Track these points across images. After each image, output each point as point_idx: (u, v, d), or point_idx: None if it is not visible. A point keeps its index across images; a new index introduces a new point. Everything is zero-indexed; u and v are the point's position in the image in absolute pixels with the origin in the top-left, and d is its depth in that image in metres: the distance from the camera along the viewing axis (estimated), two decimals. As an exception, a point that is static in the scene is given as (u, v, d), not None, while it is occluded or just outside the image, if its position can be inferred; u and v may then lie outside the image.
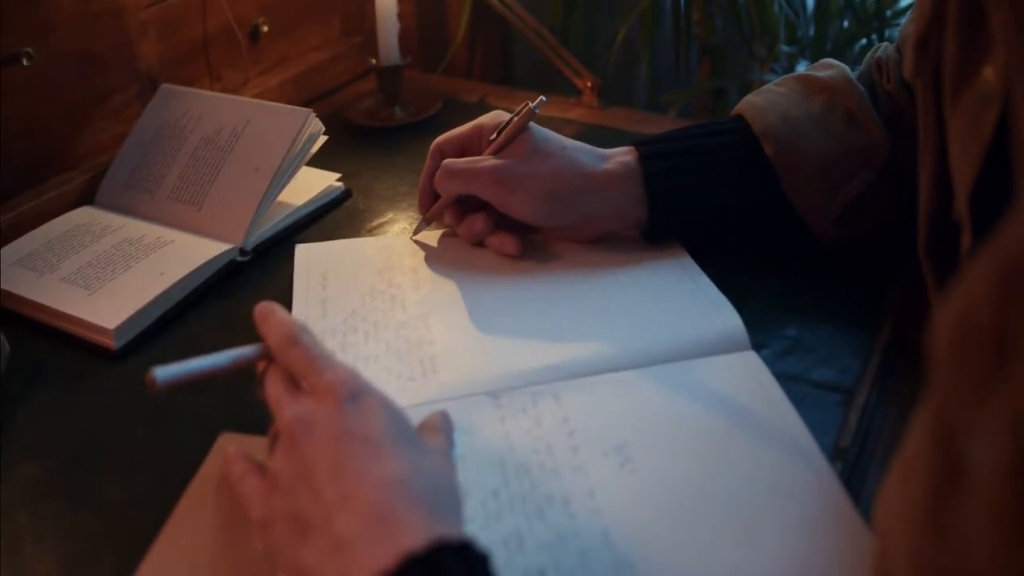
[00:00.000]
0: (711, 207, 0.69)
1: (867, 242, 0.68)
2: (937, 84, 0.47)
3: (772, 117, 0.68)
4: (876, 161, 0.66)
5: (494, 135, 0.70)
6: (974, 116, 0.42)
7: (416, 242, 0.76)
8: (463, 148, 0.72)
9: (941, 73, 0.46)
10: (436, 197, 0.73)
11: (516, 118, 0.69)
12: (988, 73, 0.41)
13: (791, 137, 0.67)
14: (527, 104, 0.68)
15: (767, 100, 0.69)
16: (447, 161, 0.70)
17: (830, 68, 0.71)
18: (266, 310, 0.52)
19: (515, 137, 0.69)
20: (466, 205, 0.73)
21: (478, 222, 0.72)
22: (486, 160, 0.69)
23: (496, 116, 0.71)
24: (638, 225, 0.70)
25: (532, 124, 0.69)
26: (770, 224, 0.70)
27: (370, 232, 0.80)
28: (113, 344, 0.66)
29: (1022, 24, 0.32)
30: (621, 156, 0.69)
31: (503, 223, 0.71)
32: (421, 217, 0.75)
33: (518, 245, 0.71)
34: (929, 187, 0.50)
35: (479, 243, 0.73)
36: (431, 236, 0.76)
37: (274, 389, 0.49)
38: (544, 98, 0.70)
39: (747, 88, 1.19)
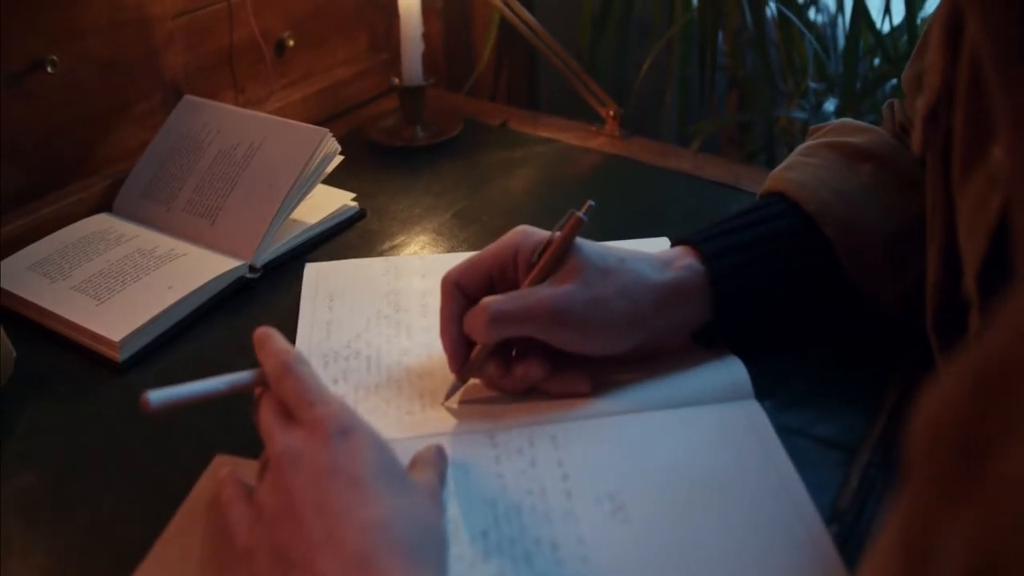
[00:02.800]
0: (774, 300, 0.62)
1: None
2: (946, 159, 0.46)
3: (824, 194, 0.62)
4: None
5: (535, 257, 0.58)
6: (981, 197, 0.41)
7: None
8: (489, 280, 0.59)
9: (951, 149, 0.45)
10: (468, 345, 0.59)
11: (561, 231, 0.57)
12: (996, 154, 0.40)
13: (849, 213, 0.61)
14: (572, 212, 0.57)
15: (809, 175, 0.63)
16: (489, 302, 0.56)
17: (863, 132, 0.65)
18: (264, 336, 0.52)
19: (564, 256, 0.57)
20: (503, 346, 0.59)
21: (533, 370, 0.58)
22: (538, 292, 0.56)
23: (526, 234, 0.59)
24: (694, 330, 0.62)
25: (576, 239, 0.58)
26: (828, 307, 0.64)
27: (382, 254, 0.80)
28: (118, 356, 0.66)
29: (1018, 112, 0.31)
30: (682, 260, 0.60)
31: (552, 356, 0.59)
32: (454, 378, 0.60)
33: (588, 380, 0.59)
34: (937, 263, 0.49)
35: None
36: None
37: (266, 418, 0.49)
38: (593, 203, 0.58)
39: (772, 123, 1.18)
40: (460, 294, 0.59)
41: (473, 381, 0.61)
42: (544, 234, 0.59)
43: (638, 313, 0.58)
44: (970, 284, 0.43)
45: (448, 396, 0.60)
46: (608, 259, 0.58)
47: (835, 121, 0.68)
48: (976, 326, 0.43)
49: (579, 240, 0.58)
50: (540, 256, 0.58)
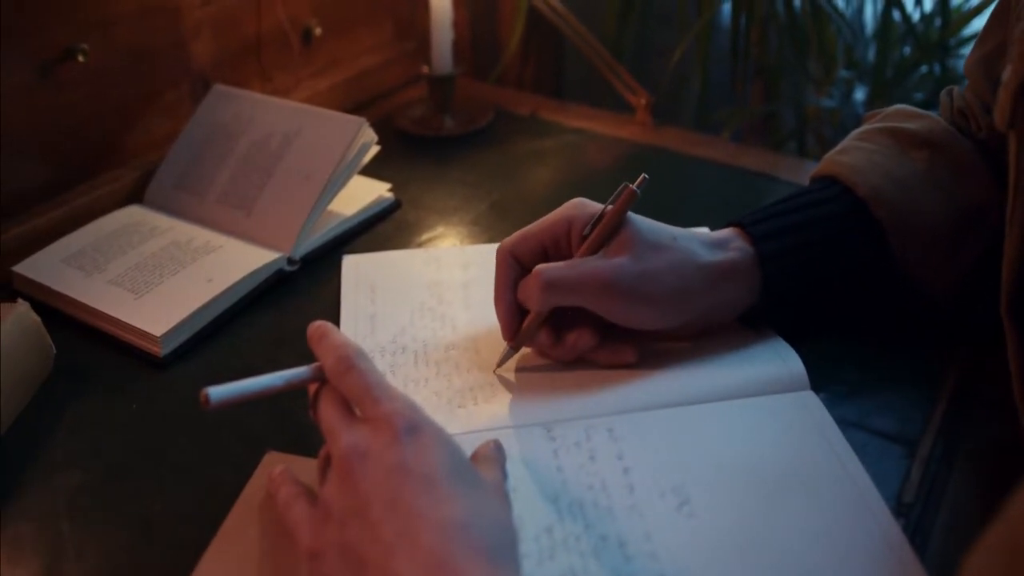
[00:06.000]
0: (823, 283, 0.62)
1: (988, 304, 0.57)
2: None
3: (877, 179, 0.61)
4: (993, 218, 0.60)
5: (587, 228, 0.59)
6: None
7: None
8: (543, 250, 0.60)
9: None
10: (521, 314, 0.60)
11: (615, 204, 0.58)
12: None
13: (901, 199, 0.60)
14: (626, 185, 0.58)
15: (863, 160, 0.62)
16: (542, 268, 0.57)
17: (918, 119, 0.64)
18: (321, 331, 0.51)
19: (617, 229, 0.58)
20: (555, 317, 0.60)
21: (584, 339, 0.59)
22: (590, 262, 0.57)
23: (581, 206, 0.60)
24: (742, 311, 0.62)
25: (629, 213, 0.58)
26: (878, 293, 0.63)
27: (420, 246, 0.79)
28: (160, 351, 0.65)
29: None
30: (733, 241, 0.61)
31: (602, 328, 0.60)
32: (506, 345, 0.61)
33: (635, 351, 0.60)
34: (1016, 245, 0.47)
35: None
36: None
37: (328, 414, 0.48)
38: (647, 176, 0.59)
39: (802, 113, 1.17)
40: (515, 262, 0.60)
41: (524, 351, 0.62)
42: (598, 207, 0.59)
43: (686, 290, 0.58)
44: None
45: (500, 364, 0.61)
46: (660, 235, 0.59)
47: (892, 107, 0.67)
48: None
49: (632, 215, 0.59)
50: (593, 228, 0.58)
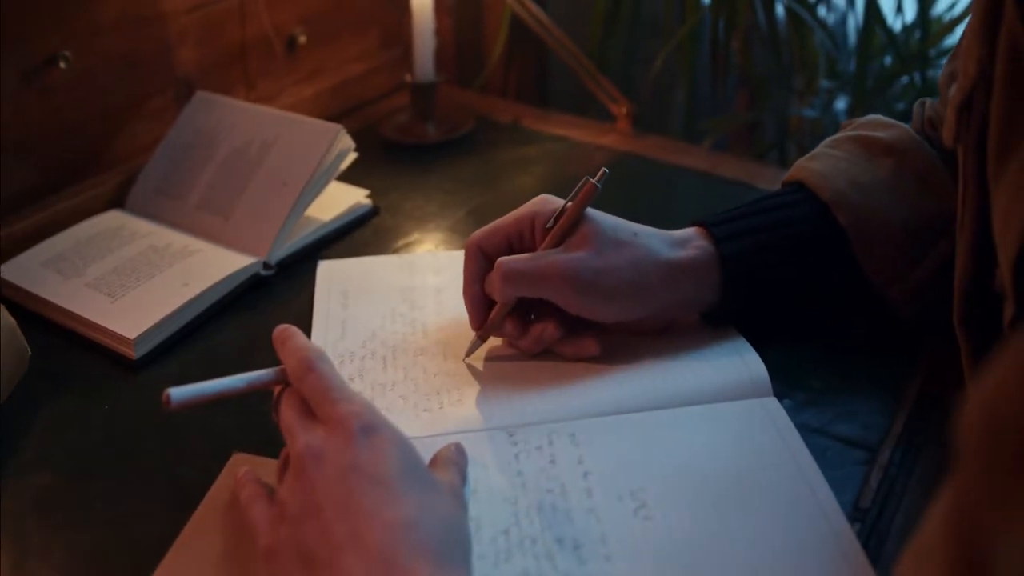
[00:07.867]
0: (784, 286, 0.63)
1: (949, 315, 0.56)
2: (981, 149, 0.46)
3: (841, 184, 0.62)
4: (956, 227, 0.60)
5: (550, 222, 0.60)
6: (1018, 186, 0.40)
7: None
8: (509, 244, 0.62)
9: (986, 138, 0.45)
10: (488, 305, 0.62)
11: (576, 199, 0.60)
12: None
13: (864, 204, 0.61)
14: (587, 179, 0.59)
15: (830, 166, 0.63)
16: (504, 260, 0.59)
17: (889, 128, 0.65)
18: (285, 334, 0.52)
19: (577, 222, 0.60)
20: (522, 308, 0.62)
21: (549, 331, 0.61)
22: (551, 255, 0.59)
23: (546, 201, 0.61)
24: (704, 309, 0.64)
25: (591, 209, 0.60)
26: (842, 299, 0.65)
27: (396, 252, 0.80)
28: (133, 353, 0.66)
29: None
30: (695, 240, 0.62)
31: (568, 322, 0.62)
32: (475, 335, 0.63)
33: (599, 345, 0.62)
34: (966, 255, 0.48)
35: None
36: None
37: (288, 415, 0.49)
38: (607, 170, 0.60)
39: (785, 122, 1.18)
40: (482, 256, 0.62)
41: (495, 342, 0.64)
42: (561, 202, 0.61)
43: (645, 285, 0.60)
44: (1005, 275, 0.42)
45: (468, 353, 0.64)
46: (621, 231, 0.60)
47: (866, 116, 0.68)
48: (1011, 319, 0.42)
49: (596, 212, 0.61)
50: (556, 222, 0.60)
